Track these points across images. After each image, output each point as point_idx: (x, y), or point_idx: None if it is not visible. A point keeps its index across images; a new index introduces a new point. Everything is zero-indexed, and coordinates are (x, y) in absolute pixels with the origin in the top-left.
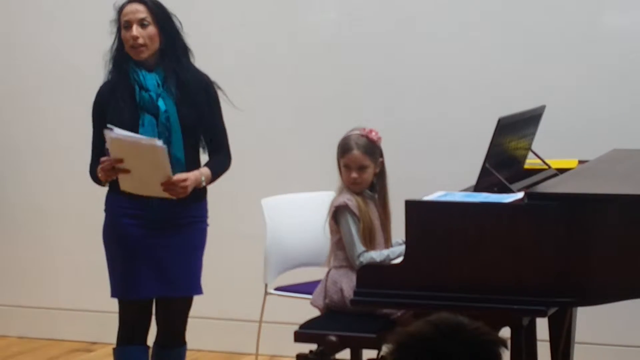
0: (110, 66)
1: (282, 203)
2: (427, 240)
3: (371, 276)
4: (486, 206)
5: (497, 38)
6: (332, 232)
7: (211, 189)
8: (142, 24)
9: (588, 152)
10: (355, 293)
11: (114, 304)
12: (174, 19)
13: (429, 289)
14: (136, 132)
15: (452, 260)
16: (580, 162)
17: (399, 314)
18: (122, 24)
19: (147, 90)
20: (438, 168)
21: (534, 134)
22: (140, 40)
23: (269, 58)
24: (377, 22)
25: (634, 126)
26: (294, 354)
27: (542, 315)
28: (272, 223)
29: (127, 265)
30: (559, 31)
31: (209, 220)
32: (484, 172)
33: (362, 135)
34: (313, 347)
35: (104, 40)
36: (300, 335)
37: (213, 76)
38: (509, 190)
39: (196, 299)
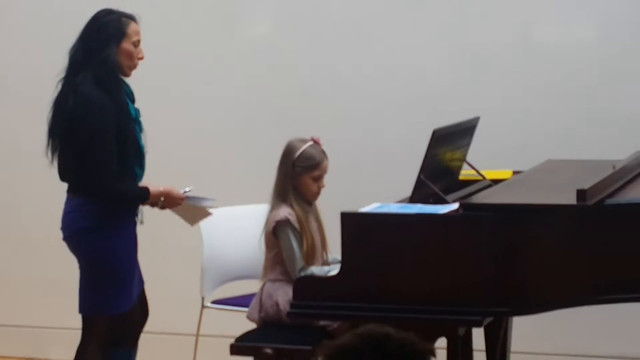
0: (105, 72)
1: (218, 216)
2: (363, 252)
3: (307, 288)
4: (421, 217)
5: (432, 51)
6: (269, 246)
7: None
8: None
9: (522, 163)
10: (292, 305)
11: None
12: None
13: (366, 300)
14: (139, 143)
15: (388, 271)
16: (515, 172)
17: (335, 325)
18: (133, 41)
19: (133, 103)
20: (373, 180)
21: (468, 145)
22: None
23: (204, 71)
24: (315, 38)
25: (567, 137)
26: None
27: (478, 325)
28: (208, 236)
29: (132, 275)
30: (492, 44)
31: (147, 232)
32: (419, 183)
33: (317, 144)
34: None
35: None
36: (236, 348)
37: (150, 89)
38: (444, 202)
39: None
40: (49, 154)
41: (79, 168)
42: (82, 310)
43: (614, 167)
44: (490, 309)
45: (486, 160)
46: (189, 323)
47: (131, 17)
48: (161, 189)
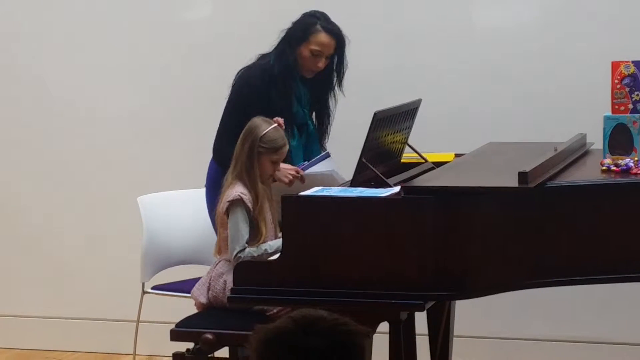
0: (273, 62)
1: (158, 200)
2: (304, 236)
3: (248, 273)
4: (362, 201)
5: (372, 33)
6: (222, 225)
7: (88, 188)
8: (326, 57)
9: (464, 146)
10: (233, 290)
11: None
12: None
13: (307, 285)
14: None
15: (329, 256)
16: (457, 155)
17: (274, 310)
18: (311, 49)
19: (303, 106)
20: None
21: (410, 127)
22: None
23: (141, 57)
24: (250, 23)
25: (508, 119)
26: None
27: (420, 309)
28: (148, 221)
29: None
30: (434, 26)
31: (86, 216)
32: (361, 166)
33: (281, 126)
34: (191, 345)
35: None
36: (177, 334)
37: (84, 68)
38: (385, 185)
39: (72, 299)
40: None
41: None
42: None
43: (555, 150)
44: (433, 293)
45: (428, 143)
46: (130, 309)
47: (328, 29)
48: None
